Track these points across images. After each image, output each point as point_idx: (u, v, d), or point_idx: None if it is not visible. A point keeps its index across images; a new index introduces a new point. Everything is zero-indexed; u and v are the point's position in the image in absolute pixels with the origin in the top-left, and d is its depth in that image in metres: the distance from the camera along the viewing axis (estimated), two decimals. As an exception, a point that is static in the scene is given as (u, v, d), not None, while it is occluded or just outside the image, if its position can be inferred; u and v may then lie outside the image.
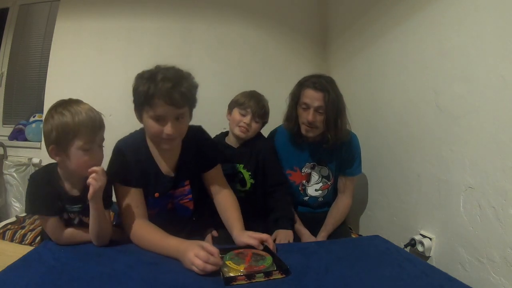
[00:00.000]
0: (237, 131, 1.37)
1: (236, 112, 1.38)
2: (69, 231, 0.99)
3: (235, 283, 0.80)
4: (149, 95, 0.96)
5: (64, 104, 0.94)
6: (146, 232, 0.99)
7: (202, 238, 1.26)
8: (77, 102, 0.96)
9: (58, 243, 0.97)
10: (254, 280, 0.81)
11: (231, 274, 0.82)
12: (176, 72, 1.01)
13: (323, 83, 1.34)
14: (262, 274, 0.83)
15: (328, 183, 1.51)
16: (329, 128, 1.36)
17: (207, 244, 0.88)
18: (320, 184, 1.51)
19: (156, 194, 1.12)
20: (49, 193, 0.96)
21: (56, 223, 0.96)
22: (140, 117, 1.05)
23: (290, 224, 1.32)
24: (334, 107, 1.34)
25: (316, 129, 1.38)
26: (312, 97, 1.34)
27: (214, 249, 0.86)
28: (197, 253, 0.84)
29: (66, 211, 1.00)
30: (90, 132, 0.92)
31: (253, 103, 1.35)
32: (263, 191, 1.45)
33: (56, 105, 0.95)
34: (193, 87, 1.05)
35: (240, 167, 1.42)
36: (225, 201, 1.19)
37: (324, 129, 1.39)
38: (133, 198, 1.04)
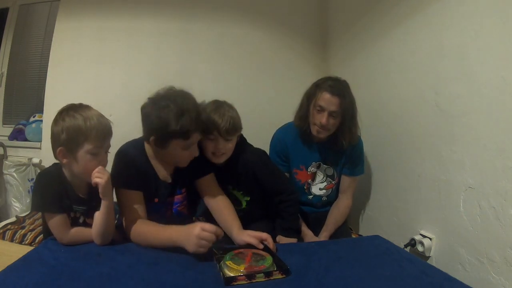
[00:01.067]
0: (214, 159, 1.22)
1: (204, 141, 1.19)
2: (75, 229, 0.99)
3: (235, 283, 0.80)
4: (190, 130, 1.03)
5: (75, 108, 0.97)
6: (145, 227, 1.02)
7: None
8: (88, 107, 1.00)
9: (62, 241, 0.97)
10: (254, 280, 0.81)
11: (231, 274, 0.82)
12: (194, 105, 1.08)
13: (340, 88, 1.34)
14: (262, 274, 0.83)
15: (333, 182, 1.53)
16: (343, 133, 1.39)
17: (207, 223, 0.92)
18: (325, 183, 1.53)
19: (156, 200, 1.16)
20: (57, 191, 0.97)
21: (63, 220, 0.97)
22: (162, 146, 1.06)
23: (294, 235, 1.31)
24: (349, 113, 1.36)
25: (328, 131, 1.39)
26: (328, 101, 1.33)
27: (214, 226, 0.91)
28: (203, 227, 0.89)
29: (73, 210, 1.02)
30: (100, 136, 0.96)
31: (217, 118, 1.17)
32: (264, 201, 1.37)
33: (67, 108, 0.97)
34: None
35: (230, 188, 1.32)
36: (219, 205, 1.20)
37: (336, 133, 1.40)
38: (134, 200, 1.07)
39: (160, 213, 1.17)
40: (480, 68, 1.07)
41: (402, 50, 1.49)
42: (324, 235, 1.42)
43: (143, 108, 1.07)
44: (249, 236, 1.01)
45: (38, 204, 1.00)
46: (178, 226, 0.97)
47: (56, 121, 0.96)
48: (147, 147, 1.15)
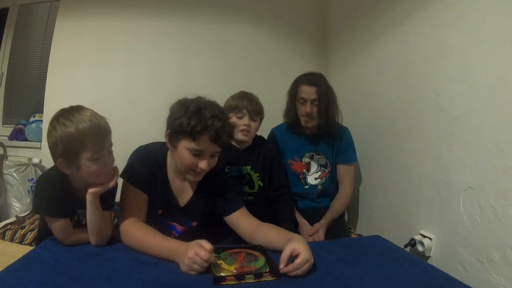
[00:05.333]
0: (239, 135, 1.36)
1: (232, 118, 1.35)
2: (76, 231, 0.98)
3: (224, 283, 0.80)
4: (196, 130, 0.96)
5: (66, 114, 0.90)
6: (142, 233, 0.98)
7: None
8: (79, 109, 0.91)
9: (63, 243, 0.97)
10: (243, 281, 0.81)
11: (222, 274, 0.82)
12: (220, 110, 1.04)
13: (315, 79, 1.52)
14: (252, 275, 0.82)
15: (326, 170, 1.62)
16: (321, 116, 1.53)
17: (204, 240, 0.86)
18: (319, 173, 1.63)
19: (160, 211, 1.11)
20: (60, 195, 0.94)
21: (65, 224, 0.96)
22: (173, 144, 1.03)
23: (292, 227, 1.34)
24: (326, 98, 1.52)
25: (314, 119, 1.54)
26: (308, 91, 1.51)
27: (210, 245, 0.84)
28: (198, 252, 0.83)
29: (76, 213, 1.00)
30: (97, 140, 0.89)
31: (246, 103, 1.35)
32: (268, 195, 1.46)
33: (57, 115, 0.91)
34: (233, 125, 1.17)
35: (247, 169, 1.42)
36: (267, 235, 1.02)
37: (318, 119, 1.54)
38: (138, 201, 1.04)
39: (160, 228, 1.06)
40: (480, 68, 1.07)
41: (402, 50, 1.49)
42: (322, 222, 1.48)
43: (171, 106, 1.05)
44: (287, 247, 0.87)
45: (40, 208, 0.97)
46: (177, 241, 0.94)
47: (49, 131, 0.90)
48: (168, 156, 1.11)
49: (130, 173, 1.05)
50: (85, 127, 0.87)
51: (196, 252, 0.83)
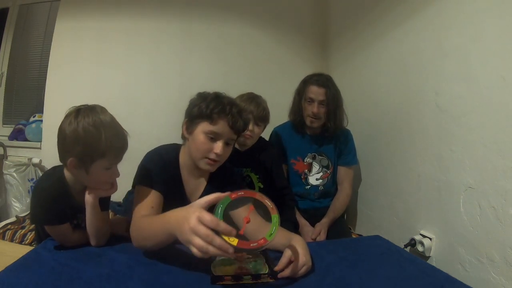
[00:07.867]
0: (241, 139, 1.32)
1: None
2: (78, 233, 0.98)
3: (221, 283, 0.80)
4: (215, 112, 0.99)
5: (93, 116, 0.87)
6: (145, 219, 0.91)
7: None
8: (105, 113, 0.90)
9: (65, 245, 0.96)
10: (241, 282, 0.80)
11: (219, 273, 0.82)
12: (237, 103, 1.09)
13: (324, 80, 1.53)
14: (249, 276, 0.82)
15: (328, 171, 1.64)
16: (330, 118, 1.54)
17: (206, 213, 0.70)
18: (321, 174, 1.64)
19: None
20: (61, 204, 0.92)
21: (66, 229, 0.95)
22: (190, 131, 1.03)
23: (292, 228, 1.35)
24: (334, 100, 1.53)
25: (320, 120, 1.55)
26: (316, 92, 1.51)
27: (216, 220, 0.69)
28: (201, 217, 0.68)
29: (76, 217, 0.99)
30: (118, 154, 0.91)
31: (253, 107, 1.32)
32: (270, 196, 1.45)
33: (84, 113, 0.87)
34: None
35: (248, 171, 1.42)
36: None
37: (325, 120, 1.55)
38: (151, 198, 0.99)
39: None
40: (480, 68, 1.07)
41: (402, 50, 1.49)
42: (324, 221, 1.49)
43: (190, 99, 1.08)
44: (286, 252, 0.86)
45: (38, 219, 0.96)
46: (170, 211, 0.82)
47: (69, 124, 0.86)
48: (181, 156, 1.09)
49: (144, 177, 1.01)
50: (113, 139, 0.87)
51: (199, 217, 0.68)
